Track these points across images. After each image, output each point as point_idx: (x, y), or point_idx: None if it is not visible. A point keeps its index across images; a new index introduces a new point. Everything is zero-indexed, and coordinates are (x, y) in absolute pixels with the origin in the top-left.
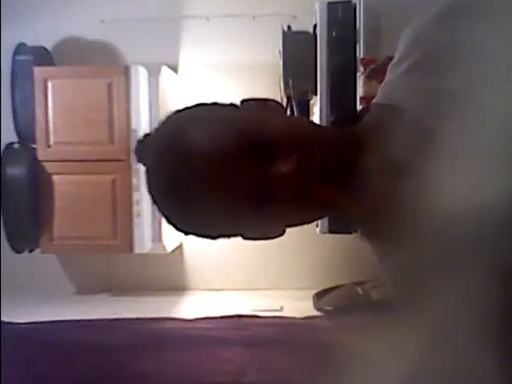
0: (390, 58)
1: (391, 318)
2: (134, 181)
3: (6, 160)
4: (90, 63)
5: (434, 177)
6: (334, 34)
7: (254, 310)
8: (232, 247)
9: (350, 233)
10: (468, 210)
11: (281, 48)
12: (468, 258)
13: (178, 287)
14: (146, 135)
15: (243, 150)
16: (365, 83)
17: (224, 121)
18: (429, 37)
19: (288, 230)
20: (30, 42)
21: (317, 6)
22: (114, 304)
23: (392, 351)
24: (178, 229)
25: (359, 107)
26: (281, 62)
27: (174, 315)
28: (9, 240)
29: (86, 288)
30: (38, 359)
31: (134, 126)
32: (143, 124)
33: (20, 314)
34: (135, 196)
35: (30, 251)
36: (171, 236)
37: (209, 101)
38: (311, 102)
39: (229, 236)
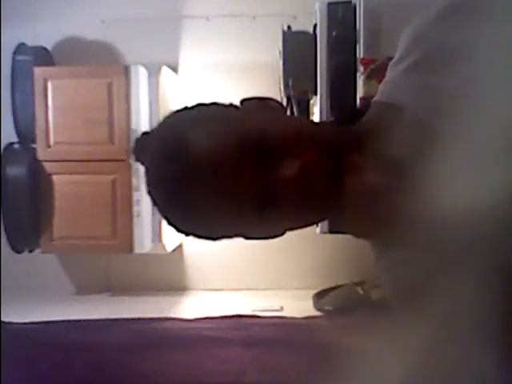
0: (390, 58)
1: (391, 317)
2: (134, 181)
3: (6, 160)
4: (90, 63)
5: (434, 176)
6: (334, 34)
7: (253, 310)
8: (232, 247)
9: None
10: (468, 210)
11: (281, 48)
12: (468, 258)
13: (178, 287)
14: (144, 133)
15: (245, 152)
16: (365, 83)
17: (225, 122)
18: (429, 36)
19: None
20: (30, 42)
21: (317, 5)
22: (114, 304)
23: (392, 351)
24: (178, 230)
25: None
26: (281, 62)
27: (173, 315)
28: (9, 240)
29: (86, 288)
30: (38, 359)
31: (133, 126)
32: (143, 124)
33: (20, 314)
34: (135, 196)
35: (30, 251)
36: (171, 236)
37: (208, 101)
38: (311, 101)
39: (230, 237)
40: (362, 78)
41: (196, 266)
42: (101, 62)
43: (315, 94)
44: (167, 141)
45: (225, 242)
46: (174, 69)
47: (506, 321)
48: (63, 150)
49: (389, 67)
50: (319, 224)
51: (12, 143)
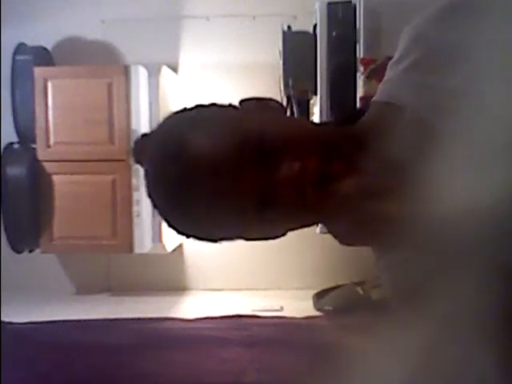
0: (390, 58)
1: (391, 317)
2: (134, 181)
3: (6, 160)
4: (90, 63)
5: (434, 176)
6: (334, 34)
7: (253, 310)
8: (232, 247)
9: None
10: (468, 210)
11: (281, 48)
12: (467, 258)
13: (178, 287)
14: (144, 135)
15: (244, 153)
16: (365, 83)
17: (224, 123)
18: (429, 35)
19: None
20: (30, 42)
21: (317, 6)
22: (114, 304)
23: (392, 351)
24: (179, 232)
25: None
26: (281, 62)
27: (173, 315)
28: (9, 240)
29: (86, 288)
30: (38, 359)
31: (133, 126)
32: (143, 124)
33: (20, 314)
34: (135, 196)
35: (30, 251)
36: (171, 236)
37: (208, 101)
38: (311, 101)
39: (230, 239)
40: (362, 77)
41: (196, 266)
42: (101, 62)
43: (315, 93)
44: (166, 142)
45: (225, 242)
46: (174, 69)
47: (506, 321)
48: (63, 150)
49: (388, 66)
50: (319, 224)
51: (12, 143)
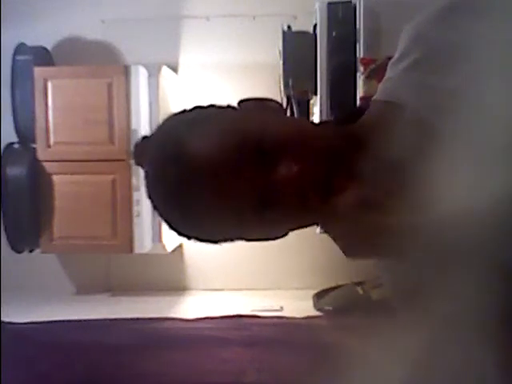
0: (390, 58)
1: (391, 318)
2: (134, 181)
3: (6, 160)
4: (90, 63)
5: (434, 176)
6: (334, 34)
7: (253, 310)
8: (232, 247)
9: None
10: (468, 210)
11: (281, 48)
12: (468, 258)
13: (178, 287)
14: (144, 138)
15: (244, 154)
16: (365, 83)
17: (223, 124)
18: (429, 35)
19: None
20: (30, 42)
21: (317, 6)
22: (114, 304)
23: (392, 351)
24: (179, 234)
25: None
26: (281, 62)
27: (173, 315)
28: (9, 240)
29: (86, 288)
30: (38, 359)
31: (133, 126)
32: (143, 124)
33: (20, 314)
34: (135, 196)
35: (30, 251)
36: (171, 236)
37: (206, 103)
38: (311, 101)
39: (231, 240)
40: (362, 77)
41: (196, 266)
42: (101, 61)
43: (315, 93)
44: (166, 144)
45: (225, 243)
46: (174, 69)
47: (506, 321)
48: (63, 150)
49: (389, 65)
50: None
51: (12, 143)
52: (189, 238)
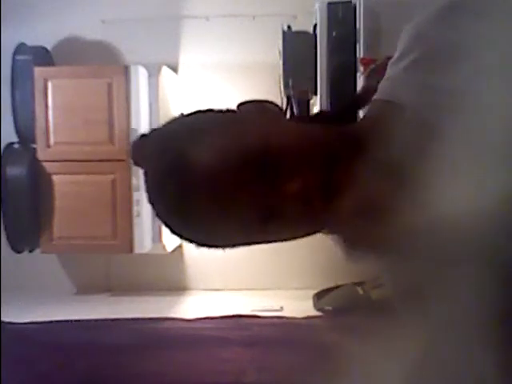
0: (390, 58)
1: (391, 318)
2: (134, 181)
3: (6, 160)
4: (90, 63)
5: (435, 177)
6: (334, 34)
7: (253, 310)
8: None
9: None
10: (469, 210)
11: (281, 48)
12: (468, 259)
13: (178, 287)
14: (142, 136)
15: (247, 168)
16: (365, 83)
17: (225, 134)
18: (430, 34)
19: None
20: (30, 42)
21: (317, 6)
22: (114, 304)
23: (392, 351)
24: (181, 238)
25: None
26: (281, 62)
27: (173, 315)
28: (9, 240)
29: (86, 288)
30: (37, 359)
31: (133, 125)
32: (143, 124)
33: (20, 314)
34: (135, 196)
35: (30, 251)
36: (171, 236)
37: (206, 106)
38: (311, 101)
39: (233, 246)
40: (362, 77)
41: (196, 266)
42: (101, 61)
43: (315, 94)
44: (166, 154)
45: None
46: (174, 69)
47: (506, 321)
48: (63, 150)
49: (389, 65)
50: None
51: (12, 143)
52: (191, 242)
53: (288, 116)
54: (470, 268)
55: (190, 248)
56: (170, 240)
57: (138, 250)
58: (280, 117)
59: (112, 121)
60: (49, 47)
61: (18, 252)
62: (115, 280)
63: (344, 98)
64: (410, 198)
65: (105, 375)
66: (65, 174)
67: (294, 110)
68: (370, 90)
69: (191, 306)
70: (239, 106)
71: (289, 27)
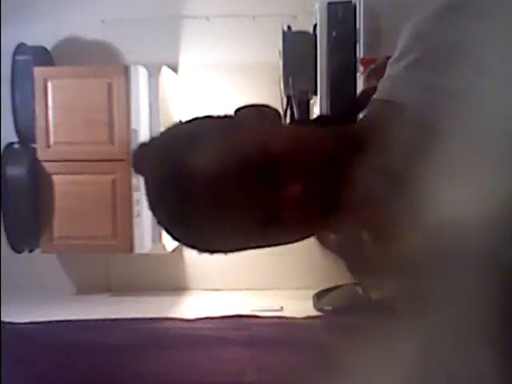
0: (389, 58)
1: (391, 318)
2: (134, 181)
3: (6, 160)
4: (90, 63)
5: (435, 177)
6: (334, 34)
7: (253, 310)
8: None
9: None
10: (469, 211)
11: (281, 48)
12: (468, 259)
13: (178, 287)
14: (142, 145)
15: (247, 174)
16: (365, 83)
17: (224, 144)
18: (430, 34)
19: None
20: (30, 42)
21: (317, 6)
22: (114, 304)
23: (392, 351)
24: (182, 244)
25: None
26: (281, 62)
27: (173, 315)
28: (9, 240)
29: (86, 288)
30: (38, 359)
31: (134, 126)
32: (143, 124)
33: (20, 314)
34: (135, 196)
35: (30, 251)
36: None
37: (203, 112)
38: (311, 101)
39: (233, 251)
40: (362, 77)
41: (196, 266)
42: (101, 62)
43: (315, 94)
44: (165, 162)
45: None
46: (174, 69)
47: (506, 321)
48: (63, 150)
49: (388, 64)
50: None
51: (12, 143)
52: (192, 248)
53: (288, 116)
54: (470, 269)
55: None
56: (170, 240)
57: (138, 250)
58: (278, 121)
59: (112, 121)
60: (49, 47)
61: (18, 252)
62: (115, 280)
63: (344, 98)
64: (409, 199)
65: (105, 375)
66: (65, 173)
67: (294, 110)
68: (369, 93)
69: (191, 306)
70: (237, 111)
71: (289, 27)
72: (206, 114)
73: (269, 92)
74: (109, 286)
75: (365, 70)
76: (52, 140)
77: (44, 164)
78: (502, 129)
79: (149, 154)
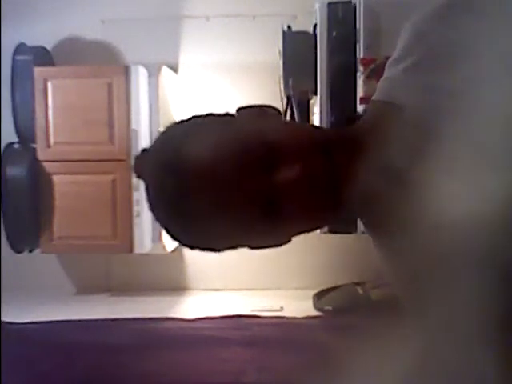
0: (388, 58)
1: (391, 318)
2: (134, 181)
3: (6, 160)
4: (90, 63)
5: (434, 178)
6: (334, 34)
7: (253, 310)
8: None
9: (350, 233)
10: (468, 213)
11: (281, 48)
12: (468, 259)
13: (178, 287)
14: (144, 150)
15: (247, 163)
16: (365, 83)
17: (223, 133)
18: (429, 34)
19: None
20: (30, 42)
21: (317, 6)
22: (114, 304)
23: (392, 351)
24: (182, 244)
25: (359, 107)
26: (281, 62)
27: (173, 315)
28: (9, 240)
29: (86, 288)
30: (38, 359)
31: (134, 126)
32: (143, 124)
33: (20, 314)
34: (135, 196)
35: (30, 251)
36: None
37: (204, 110)
38: (311, 101)
39: (234, 248)
40: (362, 77)
41: (196, 266)
42: (101, 62)
43: (315, 94)
44: (164, 156)
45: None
46: (174, 69)
47: (506, 321)
48: (63, 150)
49: (387, 65)
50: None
51: (12, 143)
52: (191, 247)
53: (288, 116)
54: (470, 268)
55: None
56: (170, 240)
57: (138, 250)
58: (279, 118)
59: (112, 121)
60: (49, 47)
61: (18, 252)
62: (115, 280)
63: (344, 99)
64: (408, 198)
65: (105, 375)
66: (65, 174)
67: (294, 110)
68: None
69: (191, 306)
70: (238, 110)
71: (289, 27)
72: (206, 112)
73: (269, 92)
74: (109, 286)
75: (365, 69)
76: (52, 140)
77: (44, 164)
78: (502, 129)
79: (149, 157)
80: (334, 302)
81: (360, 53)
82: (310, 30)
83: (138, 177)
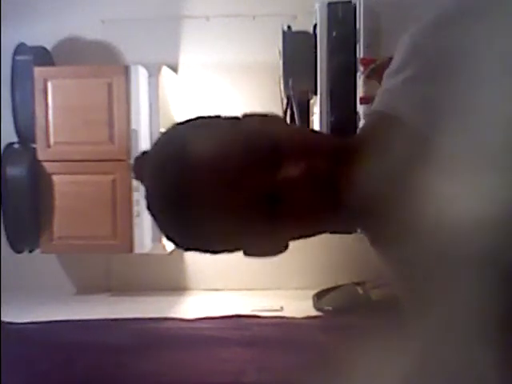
0: (391, 58)
1: (391, 318)
2: (134, 181)
3: (6, 160)
4: (90, 63)
5: (435, 181)
6: (334, 34)
7: (253, 310)
8: None
9: (350, 233)
10: (469, 213)
11: (281, 48)
12: (468, 260)
13: (178, 287)
14: (144, 153)
15: (251, 162)
16: (365, 83)
17: (229, 135)
18: (427, 46)
19: None
20: (30, 42)
21: (317, 6)
22: (114, 304)
23: (391, 351)
24: (179, 246)
25: (359, 107)
26: (281, 62)
27: (173, 315)
28: (9, 240)
29: (86, 288)
30: (37, 359)
31: (133, 126)
32: (143, 124)
33: (20, 314)
34: (135, 196)
35: (30, 251)
36: None
37: (207, 108)
38: (311, 101)
39: (231, 251)
40: (362, 77)
41: (196, 266)
42: (101, 62)
43: (315, 93)
44: (167, 156)
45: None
46: (174, 69)
47: (506, 321)
48: (63, 150)
49: (385, 76)
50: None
51: (12, 143)
52: (189, 249)
53: (288, 116)
54: (470, 269)
55: None
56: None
57: (138, 249)
58: (284, 122)
59: (112, 121)
60: (49, 47)
61: (18, 252)
62: (115, 280)
63: (344, 99)
64: (408, 200)
65: (105, 375)
66: (65, 174)
67: (294, 110)
68: None
69: (191, 306)
70: (244, 117)
71: (289, 27)
72: (211, 114)
73: (269, 92)
74: (109, 286)
75: (365, 70)
76: (52, 140)
77: (44, 164)
78: (502, 129)
79: (150, 158)
80: (334, 302)
81: (360, 53)
82: (310, 29)
83: (137, 179)
